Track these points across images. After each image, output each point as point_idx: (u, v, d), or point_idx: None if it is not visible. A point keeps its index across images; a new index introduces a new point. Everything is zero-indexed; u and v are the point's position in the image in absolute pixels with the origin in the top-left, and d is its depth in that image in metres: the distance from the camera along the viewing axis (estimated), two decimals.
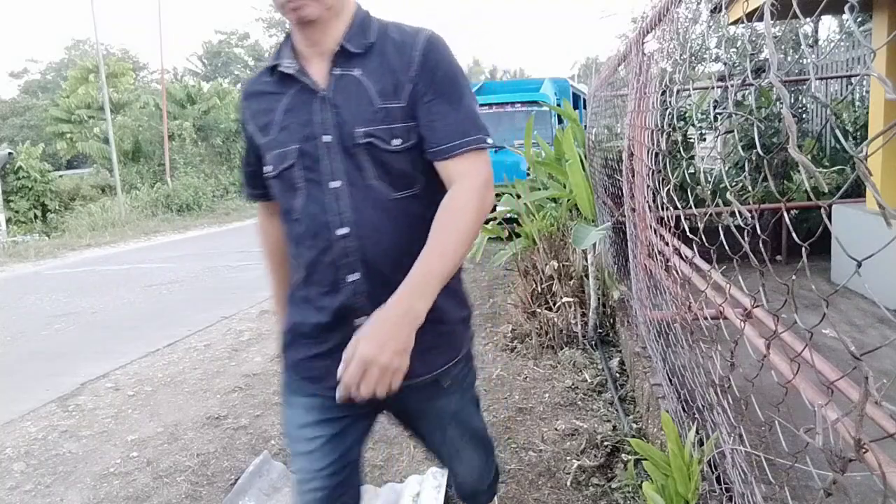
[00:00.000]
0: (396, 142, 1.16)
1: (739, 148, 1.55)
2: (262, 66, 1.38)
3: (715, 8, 3.41)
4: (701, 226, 1.55)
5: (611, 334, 3.87)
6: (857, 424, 0.82)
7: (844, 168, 5.15)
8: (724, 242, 1.34)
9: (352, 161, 1.17)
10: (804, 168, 0.81)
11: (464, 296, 1.35)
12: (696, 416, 1.90)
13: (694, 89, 4.95)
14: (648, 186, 2.48)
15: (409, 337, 1.02)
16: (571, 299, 3.78)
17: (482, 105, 8.51)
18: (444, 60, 1.19)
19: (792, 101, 6.11)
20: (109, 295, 6.49)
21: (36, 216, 16.28)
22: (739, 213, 1.17)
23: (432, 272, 1.05)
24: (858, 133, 5.44)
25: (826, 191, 1.24)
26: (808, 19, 6.89)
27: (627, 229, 3.16)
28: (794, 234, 0.96)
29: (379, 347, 0.99)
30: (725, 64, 5.23)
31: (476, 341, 4.08)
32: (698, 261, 1.81)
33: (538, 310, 3.88)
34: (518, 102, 9.22)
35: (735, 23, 4.45)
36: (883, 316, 3.44)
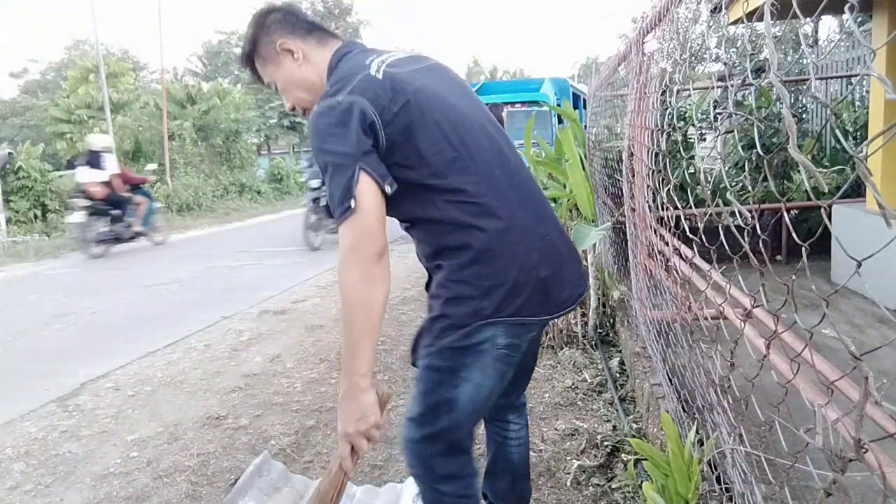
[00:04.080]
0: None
1: (739, 148, 1.55)
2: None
3: (715, 8, 3.41)
4: (701, 226, 1.55)
5: (611, 334, 3.87)
6: (857, 424, 0.82)
7: (844, 168, 5.15)
8: (724, 242, 1.34)
9: None
10: (804, 168, 0.81)
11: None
12: (696, 416, 1.90)
13: (694, 89, 4.95)
14: (648, 186, 2.48)
15: (358, 407, 1.33)
16: None
17: None
18: (311, 138, 1.35)
19: (792, 101, 6.11)
20: (109, 295, 6.49)
21: (36, 216, 16.24)
22: (739, 213, 1.17)
23: (346, 352, 1.33)
24: (858, 133, 5.44)
25: (826, 191, 1.24)
26: (808, 19, 6.89)
27: (627, 229, 3.16)
28: (794, 234, 0.96)
29: (344, 425, 1.36)
30: (725, 64, 5.23)
31: None
32: (698, 261, 1.81)
33: None
34: (518, 102, 9.23)
35: (735, 23, 4.45)
36: (883, 316, 3.43)
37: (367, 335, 1.30)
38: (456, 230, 1.37)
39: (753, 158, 2.87)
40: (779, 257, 5.07)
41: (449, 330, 1.38)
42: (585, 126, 6.11)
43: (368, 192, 1.27)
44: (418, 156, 1.35)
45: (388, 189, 1.30)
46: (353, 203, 1.26)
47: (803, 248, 0.92)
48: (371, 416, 1.34)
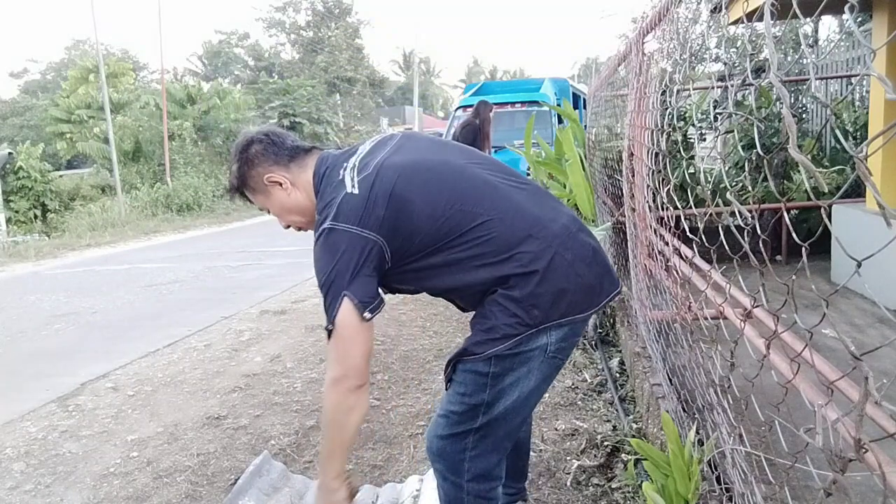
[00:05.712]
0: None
1: (739, 148, 1.56)
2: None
3: (715, 8, 3.41)
4: (701, 226, 1.55)
5: (611, 334, 3.87)
6: (857, 424, 0.82)
7: (844, 168, 5.15)
8: (724, 242, 1.34)
9: None
10: (804, 168, 0.81)
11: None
12: (696, 416, 1.90)
13: (694, 89, 4.94)
14: (648, 186, 2.48)
15: (330, 502, 1.52)
16: None
17: None
18: (314, 258, 1.46)
19: (792, 101, 6.11)
20: (109, 295, 6.49)
21: (36, 216, 16.26)
22: (739, 213, 1.17)
23: (322, 455, 1.55)
24: (858, 133, 5.43)
25: (826, 191, 1.24)
26: (808, 19, 6.89)
27: (627, 229, 3.16)
28: (794, 234, 0.96)
29: None
30: (725, 64, 5.23)
31: None
32: (698, 261, 1.81)
33: None
34: (518, 102, 9.22)
35: (735, 23, 4.44)
36: (883, 316, 3.43)
37: (340, 448, 1.50)
38: (495, 268, 1.43)
39: (753, 158, 2.87)
40: (779, 257, 5.07)
41: (501, 339, 1.43)
42: (585, 126, 6.11)
43: (350, 322, 1.39)
44: (424, 234, 1.43)
45: (367, 316, 1.40)
46: (332, 328, 1.41)
47: (803, 248, 0.92)
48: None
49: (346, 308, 1.39)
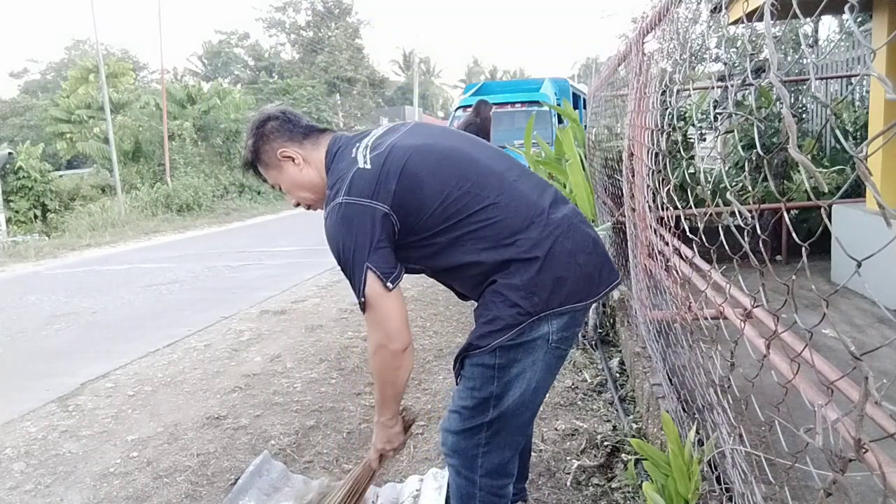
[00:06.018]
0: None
1: (739, 148, 1.55)
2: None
3: (715, 8, 3.41)
4: (701, 226, 1.55)
5: (611, 334, 3.87)
6: (857, 424, 0.82)
7: (844, 168, 5.15)
8: (724, 242, 1.34)
9: None
10: (804, 168, 0.81)
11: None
12: (696, 416, 1.90)
13: (694, 89, 4.94)
14: (648, 186, 2.48)
15: (387, 435, 1.67)
16: None
17: None
18: (327, 238, 1.50)
19: (792, 101, 6.11)
20: (109, 295, 6.49)
21: (36, 216, 16.26)
22: (739, 213, 1.17)
23: (378, 404, 1.64)
24: (858, 133, 5.43)
25: (826, 191, 1.25)
26: (808, 19, 6.88)
27: (627, 229, 3.16)
28: (794, 234, 0.96)
29: (376, 442, 1.71)
30: (725, 64, 5.22)
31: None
32: (698, 261, 1.81)
33: None
34: (518, 102, 9.22)
35: (735, 23, 4.44)
36: (883, 316, 3.42)
37: (393, 398, 1.60)
38: (497, 252, 1.46)
39: (753, 158, 2.87)
40: (779, 257, 5.07)
41: (504, 330, 1.46)
42: (585, 126, 6.11)
43: (378, 292, 1.44)
44: (431, 212, 1.47)
45: (389, 286, 1.44)
46: (364, 300, 1.45)
47: (803, 248, 0.92)
48: (396, 441, 1.70)
49: (372, 279, 1.43)
